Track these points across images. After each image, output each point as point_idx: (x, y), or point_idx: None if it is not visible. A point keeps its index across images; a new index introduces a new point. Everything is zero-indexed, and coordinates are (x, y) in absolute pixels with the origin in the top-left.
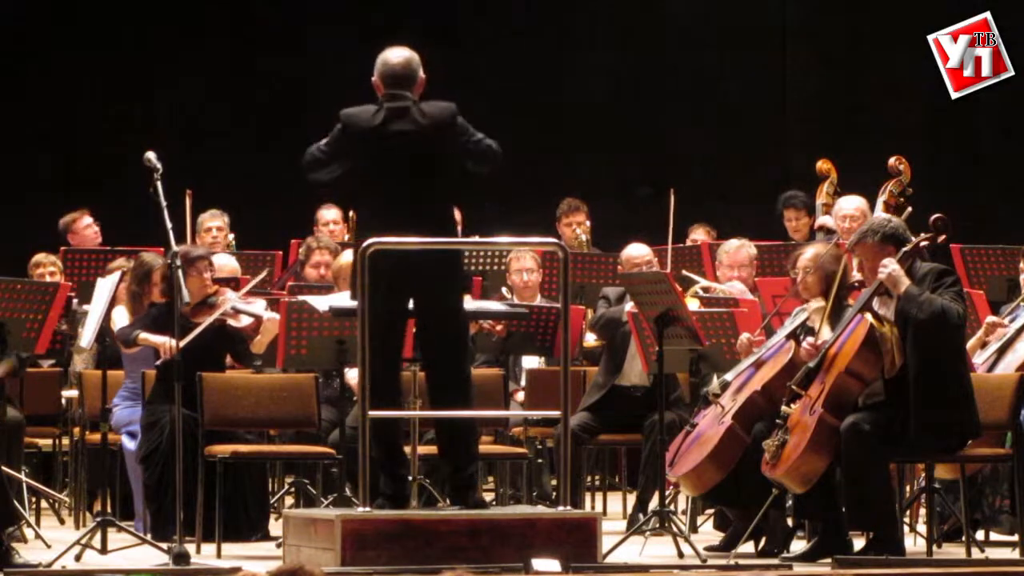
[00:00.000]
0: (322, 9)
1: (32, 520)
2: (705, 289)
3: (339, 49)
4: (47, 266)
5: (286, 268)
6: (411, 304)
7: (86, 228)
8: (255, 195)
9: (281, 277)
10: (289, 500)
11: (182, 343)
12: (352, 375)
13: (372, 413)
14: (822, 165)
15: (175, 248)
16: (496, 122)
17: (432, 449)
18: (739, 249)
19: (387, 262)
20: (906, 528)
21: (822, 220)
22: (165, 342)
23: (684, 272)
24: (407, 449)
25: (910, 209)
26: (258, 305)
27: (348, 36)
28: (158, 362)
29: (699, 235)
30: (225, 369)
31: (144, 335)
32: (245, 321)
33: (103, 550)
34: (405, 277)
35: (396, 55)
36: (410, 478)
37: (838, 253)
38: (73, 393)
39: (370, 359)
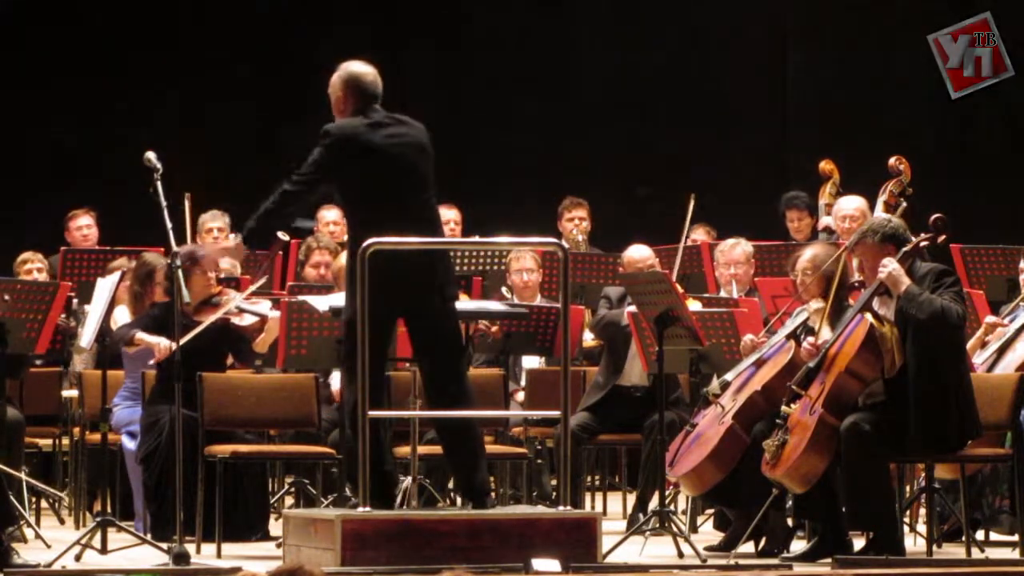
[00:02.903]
0: (323, 11)
1: (32, 520)
2: None
3: (341, 49)
4: (33, 262)
5: (285, 268)
6: (403, 307)
7: (77, 230)
8: (255, 195)
9: (263, 266)
10: (289, 500)
11: (184, 340)
12: (336, 382)
13: (372, 413)
14: (825, 166)
15: (176, 248)
16: (496, 121)
17: (432, 449)
18: (733, 247)
19: (381, 265)
20: (906, 528)
21: (825, 221)
22: (160, 342)
23: None
24: (406, 449)
25: (905, 205)
26: (263, 305)
27: (350, 37)
28: (152, 361)
29: (699, 235)
30: (226, 369)
31: (141, 335)
32: (249, 320)
33: (103, 550)
34: (399, 280)
35: (367, 69)
36: (409, 479)
37: (838, 253)
38: (73, 393)
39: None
